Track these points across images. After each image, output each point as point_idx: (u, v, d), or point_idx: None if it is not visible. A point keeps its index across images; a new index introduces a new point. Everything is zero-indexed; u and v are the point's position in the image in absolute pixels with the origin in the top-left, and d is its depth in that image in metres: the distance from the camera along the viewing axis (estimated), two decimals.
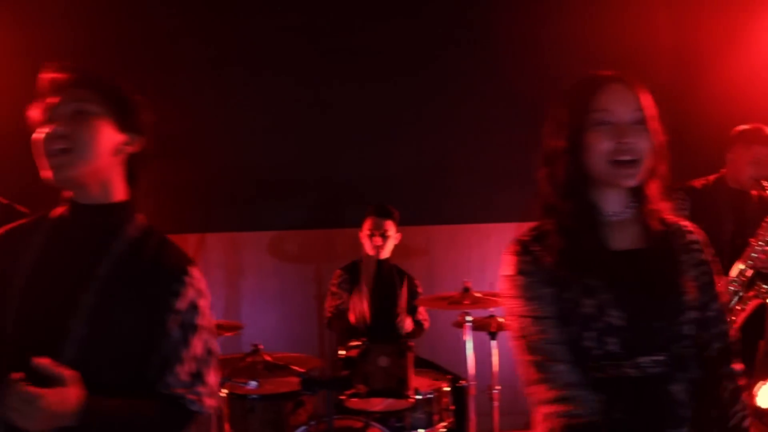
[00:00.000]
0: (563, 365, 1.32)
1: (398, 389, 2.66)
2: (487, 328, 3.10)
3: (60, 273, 1.33)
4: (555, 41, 4.20)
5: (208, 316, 1.41)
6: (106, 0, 4.16)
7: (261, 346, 2.73)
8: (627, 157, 1.37)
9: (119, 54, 4.27)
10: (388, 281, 3.54)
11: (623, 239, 1.44)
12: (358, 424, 2.75)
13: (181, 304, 1.36)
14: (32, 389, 1.13)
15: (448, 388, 2.99)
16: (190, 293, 1.38)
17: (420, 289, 3.66)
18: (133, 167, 1.44)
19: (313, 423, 2.76)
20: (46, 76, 1.41)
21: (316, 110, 4.21)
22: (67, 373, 1.18)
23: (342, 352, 2.78)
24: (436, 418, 2.90)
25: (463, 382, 2.98)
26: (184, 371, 1.34)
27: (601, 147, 1.39)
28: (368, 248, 3.49)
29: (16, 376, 1.13)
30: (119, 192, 1.42)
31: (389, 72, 4.22)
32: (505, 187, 4.26)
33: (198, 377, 1.36)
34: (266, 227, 4.26)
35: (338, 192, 4.29)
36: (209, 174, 4.11)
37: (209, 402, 1.38)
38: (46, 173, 1.34)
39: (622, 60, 3.97)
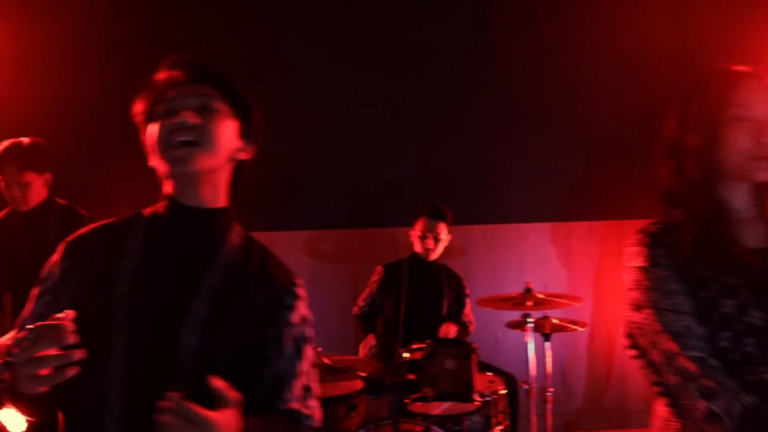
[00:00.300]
0: (715, 361, 1.27)
1: (465, 392, 2.60)
2: (541, 329, 3.05)
3: (166, 281, 1.24)
4: (592, 42, 4.16)
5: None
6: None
7: (319, 349, 2.66)
8: (766, 156, 1.33)
9: (155, 57, 4.21)
10: (434, 283, 3.48)
11: (752, 237, 1.40)
12: (418, 428, 2.70)
13: (295, 318, 1.31)
14: (204, 411, 1.04)
15: (505, 391, 2.94)
16: (301, 306, 1.33)
17: (467, 291, 3.61)
18: (239, 175, 1.37)
19: (371, 426, 2.69)
20: (166, 68, 1.33)
21: (354, 109, 4.15)
22: (232, 394, 1.10)
23: (406, 355, 2.72)
24: (494, 421, 2.85)
25: (523, 385, 2.92)
26: (298, 386, 1.29)
27: (739, 144, 1.35)
28: (418, 248, 3.43)
29: (175, 395, 1.03)
30: (223, 197, 1.34)
31: (427, 70, 4.16)
32: (543, 186, 4.23)
33: (308, 390, 1.32)
34: (302, 227, 4.19)
35: (376, 191, 4.23)
36: (263, 171, 4.05)
37: (319, 414, 1.33)
38: (163, 166, 1.27)
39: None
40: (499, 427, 2.89)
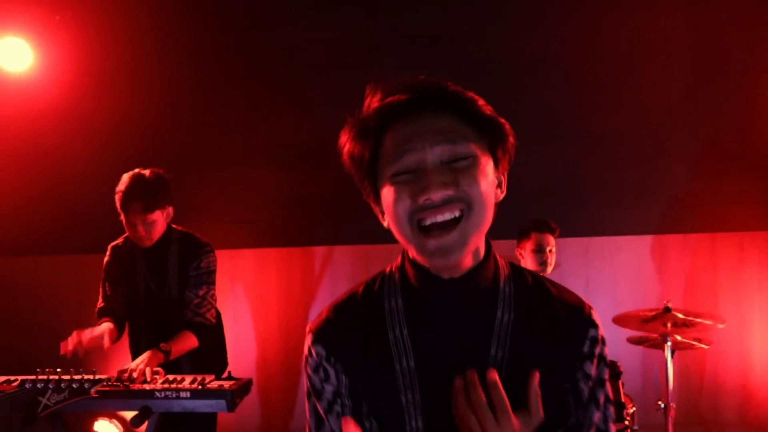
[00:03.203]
0: None
1: (617, 413, 2.60)
2: (661, 346, 3.04)
3: (449, 365, 1.02)
4: (685, 54, 4.17)
5: None
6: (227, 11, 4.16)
7: None
8: None
9: (242, 63, 4.24)
10: None
11: None
12: None
13: (594, 361, 1.05)
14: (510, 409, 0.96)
15: (634, 408, 2.94)
16: (600, 342, 1.07)
17: None
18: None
19: None
20: (378, 92, 1.04)
21: None
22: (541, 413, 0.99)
23: None
24: None
25: (660, 403, 2.92)
26: None
27: None
28: (530, 263, 3.42)
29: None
30: (483, 247, 1.08)
31: (519, 83, 4.17)
32: (637, 199, 4.23)
33: None
34: (394, 240, 4.19)
35: None
36: (338, 186, 4.07)
37: None
38: (413, 251, 1.01)
39: None
40: None
